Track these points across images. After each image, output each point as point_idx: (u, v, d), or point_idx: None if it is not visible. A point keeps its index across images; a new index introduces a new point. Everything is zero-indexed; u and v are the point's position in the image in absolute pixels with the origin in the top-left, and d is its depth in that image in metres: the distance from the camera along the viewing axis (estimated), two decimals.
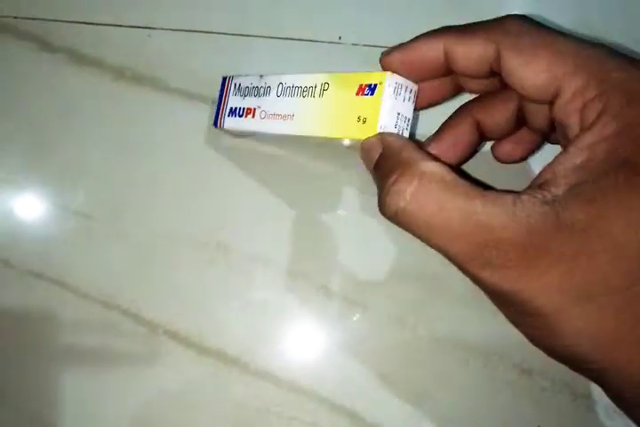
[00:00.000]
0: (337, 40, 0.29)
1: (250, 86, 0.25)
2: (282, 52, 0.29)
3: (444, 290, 0.27)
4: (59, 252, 0.28)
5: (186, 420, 0.27)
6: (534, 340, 0.18)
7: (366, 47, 0.29)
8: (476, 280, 0.18)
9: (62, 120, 0.29)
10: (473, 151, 0.24)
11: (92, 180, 0.28)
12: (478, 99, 0.23)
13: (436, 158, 0.19)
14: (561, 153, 0.17)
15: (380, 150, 0.20)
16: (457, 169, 0.23)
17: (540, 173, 0.18)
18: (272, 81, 0.24)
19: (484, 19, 0.29)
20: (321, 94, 0.22)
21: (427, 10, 0.29)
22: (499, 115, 0.23)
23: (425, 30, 0.28)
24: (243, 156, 0.28)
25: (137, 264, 0.28)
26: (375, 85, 0.20)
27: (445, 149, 0.23)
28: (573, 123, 0.17)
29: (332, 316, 0.27)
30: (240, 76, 0.26)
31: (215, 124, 0.27)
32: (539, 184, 0.17)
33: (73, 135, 0.28)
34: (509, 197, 0.17)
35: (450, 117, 0.24)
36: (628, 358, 0.16)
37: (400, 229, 0.22)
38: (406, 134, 0.21)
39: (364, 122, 0.20)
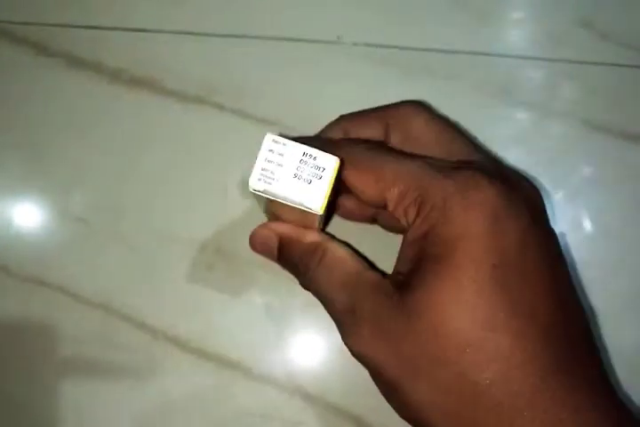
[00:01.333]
0: (336, 40, 0.29)
1: None
2: (280, 52, 0.29)
3: None
4: (57, 257, 0.27)
5: (187, 426, 0.26)
6: (395, 409, 0.21)
7: (367, 47, 0.29)
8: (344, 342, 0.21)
9: (59, 124, 0.28)
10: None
11: (90, 183, 0.28)
12: None
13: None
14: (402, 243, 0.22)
15: (276, 242, 0.23)
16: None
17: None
18: None
19: (484, 16, 0.29)
20: None
21: (428, 8, 0.29)
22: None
23: (427, 29, 0.28)
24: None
25: (136, 268, 0.27)
26: None
27: None
28: (404, 223, 0.21)
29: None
30: None
31: None
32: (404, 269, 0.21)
33: (70, 139, 0.28)
34: (375, 279, 0.21)
35: None
36: None
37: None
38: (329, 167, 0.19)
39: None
